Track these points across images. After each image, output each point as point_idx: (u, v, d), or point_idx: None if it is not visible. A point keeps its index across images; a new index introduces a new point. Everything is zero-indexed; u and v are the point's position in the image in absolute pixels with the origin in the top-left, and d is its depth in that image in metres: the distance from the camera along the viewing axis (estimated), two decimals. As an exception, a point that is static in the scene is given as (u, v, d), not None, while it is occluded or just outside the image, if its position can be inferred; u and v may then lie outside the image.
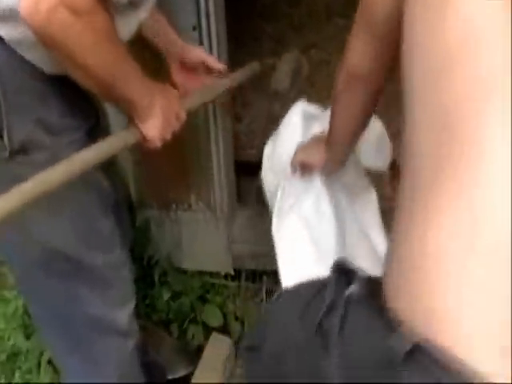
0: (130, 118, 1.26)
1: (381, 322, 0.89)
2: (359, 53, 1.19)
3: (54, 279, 1.42)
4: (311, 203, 1.46)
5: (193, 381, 1.98)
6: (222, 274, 2.20)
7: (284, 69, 1.91)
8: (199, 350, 2.07)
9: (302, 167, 1.51)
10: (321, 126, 1.53)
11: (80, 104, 1.28)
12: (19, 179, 1.21)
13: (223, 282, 2.20)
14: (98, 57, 1.09)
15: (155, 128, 1.27)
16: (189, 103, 1.43)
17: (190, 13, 1.70)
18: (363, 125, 1.36)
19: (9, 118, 1.18)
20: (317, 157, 1.46)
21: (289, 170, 1.53)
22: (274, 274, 2.12)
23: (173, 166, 1.98)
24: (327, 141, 1.42)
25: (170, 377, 1.98)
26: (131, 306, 1.60)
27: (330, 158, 1.45)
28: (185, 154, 1.95)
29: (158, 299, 2.12)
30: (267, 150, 1.64)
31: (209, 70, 1.60)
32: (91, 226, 1.40)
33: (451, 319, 0.82)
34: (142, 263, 2.08)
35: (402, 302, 0.88)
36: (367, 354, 0.90)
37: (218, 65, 1.61)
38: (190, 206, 2.07)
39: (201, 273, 2.20)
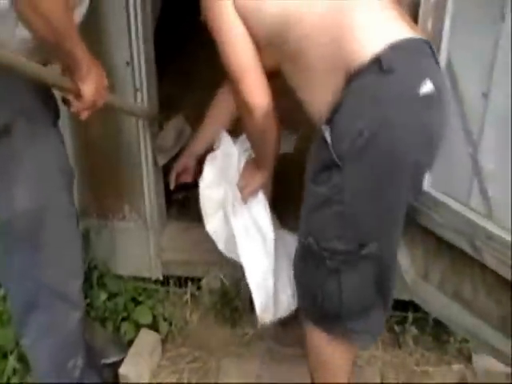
0: (71, 75, 1.56)
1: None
2: (257, 88, 1.71)
3: (17, 244, 1.74)
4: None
5: (122, 367, 2.26)
6: (153, 279, 2.51)
7: (169, 130, 2.33)
8: (130, 344, 2.35)
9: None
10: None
11: (46, 95, 1.64)
12: (5, 156, 1.60)
13: (153, 286, 2.52)
14: (65, 24, 1.43)
15: (90, 90, 1.58)
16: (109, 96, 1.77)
17: (124, 49, 2.09)
18: None
19: None
20: (258, 183, 1.99)
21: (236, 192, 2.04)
22: (197, 280, 2.47)
23: (108, 179, 2.33)
24: (261, 168, 1.96)
25: (103, 361, 2.24)
26: (81, 280, 1.91)
27: (266, 178, 2.00)
28: (119, 169, 2.31)
29: (96, 299, 2.39)
30: (208, 172, 2.08)
31: None
32: (52, 192, 1.73)
33: None
34: (82, 266, 2.40)
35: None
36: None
37: None
38: (124, 216, 2.41)
39: (135, 278, 2.50)
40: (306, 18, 1.58)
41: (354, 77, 1.51)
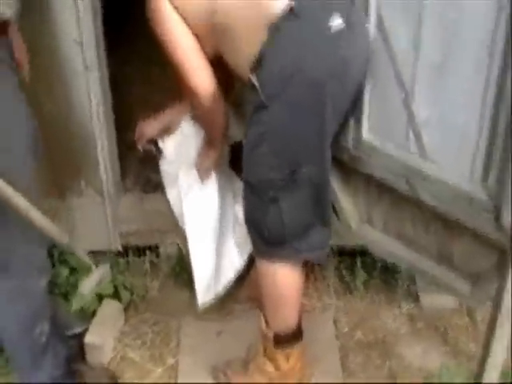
0: None
1: None
2: (200, 75, 1.92)
3: None
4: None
5: (86, 337, 2.35)
6: (112, 251, 2.59)
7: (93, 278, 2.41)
8: (94, 315, 2.43)
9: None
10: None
11: None
12: None
13: (113, 258, 2.60)
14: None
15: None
16: None
17: (72, 26, 2.15)
18: None
19: None
20: (210, 161, 2.15)
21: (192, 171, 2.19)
22: (155, 248, 2.57)
23: (63, 157, 2.39)
24: (212, 147, 2.14)
25: (68, 333, 2.32)
26: (46, 247, 2.02)
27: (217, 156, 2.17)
28: (73, 146, 2.38)
29: (58, 276, 2.46)
30: (168, 150, 2.24)
31: None
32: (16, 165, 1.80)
33: None
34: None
35: None
36: None
37: None
38: (81, 192, 2.48)
39: (94, 252, 2.54)
40: None
41: (273, 27, 1.68)
